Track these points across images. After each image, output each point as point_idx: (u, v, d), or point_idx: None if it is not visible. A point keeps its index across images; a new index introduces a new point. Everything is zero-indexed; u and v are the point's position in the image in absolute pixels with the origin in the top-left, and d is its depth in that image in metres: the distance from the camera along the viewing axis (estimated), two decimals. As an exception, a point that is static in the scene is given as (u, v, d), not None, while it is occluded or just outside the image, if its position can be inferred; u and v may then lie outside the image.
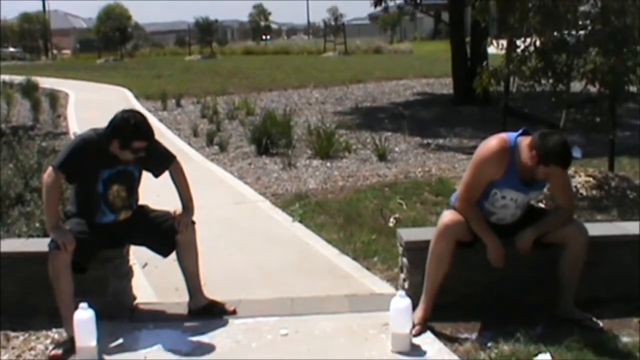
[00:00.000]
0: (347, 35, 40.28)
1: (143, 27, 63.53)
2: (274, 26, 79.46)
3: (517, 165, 3.96)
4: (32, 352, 3.92)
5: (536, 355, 3.77)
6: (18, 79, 20.63)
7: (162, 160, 4.40)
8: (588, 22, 6.65)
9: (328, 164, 9.19)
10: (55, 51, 54.79)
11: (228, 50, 44.64)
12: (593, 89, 7.16)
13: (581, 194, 7.01)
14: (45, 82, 21.02)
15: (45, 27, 54.18)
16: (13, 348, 3.97)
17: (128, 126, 4.07)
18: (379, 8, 17.68)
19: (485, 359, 3.71)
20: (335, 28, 41.38)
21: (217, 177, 8.69)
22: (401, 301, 3.83)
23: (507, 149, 3.97)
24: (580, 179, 7.32)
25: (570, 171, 7.62)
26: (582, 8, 6.81)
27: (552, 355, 3.76)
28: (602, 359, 3.73)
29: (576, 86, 7.31)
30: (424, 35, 52.56)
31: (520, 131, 4.04)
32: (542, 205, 5.90)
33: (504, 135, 4.03)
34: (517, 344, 3.86)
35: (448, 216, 4.04)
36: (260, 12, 56.99)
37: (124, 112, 4.18)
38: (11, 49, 51.74)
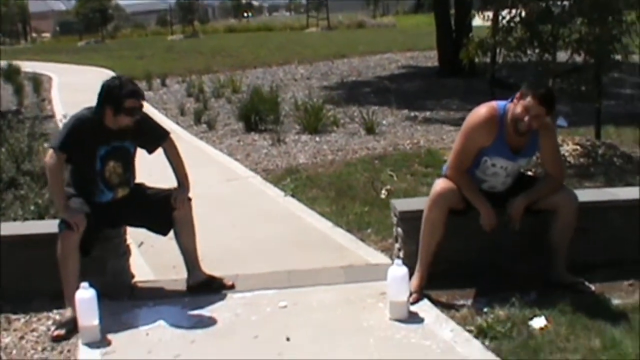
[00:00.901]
0: (330, 11, 40.08)
1: (124, 8, 62.93)
2: (255, 3, 78.85)
3: (506, 133, 4.03)
4: (35, 334, 3.95)
5: (531, 319, 3.85)
6: (-2, 63, 20.45)
7: (155, 137, 4.44)
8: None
9: (317, 139, 9.21)
10: (34, 35, 54.23)
11: (210, 28, 44.30)
12: (579, 58, 7.21)
13: (569, 162, 7.09)
14: (27, 66, 20.83)
15: (23, 11, 53.56)
16: (15, 330, 4.01)
17: (116, 88, 4.13)
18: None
19: (482, 324, 3.77)
20: (318, 3, 41.14)
21: (207, 155, 8.71)
22: (398, 270, 3.90)
23: (496, 117, 4.03)
24: (568, 147, 7.41)
25: (558, 140, 7.71)
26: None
27: (547, 319, 3.84)
28: (595, 321, 3.80)
29: (562, 56, 7.37)
30: (407, 9, 52.48)
31: (510, 100, 4.09)
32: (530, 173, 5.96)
33: (493, 104, 4.09)
34: (512, 309, 3.94)
35: (440, 184, 4.10)
36: (241, -11, 56.69)
37: (109, 78, 4.26)
38: (-11, 34, 51.25)
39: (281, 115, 10.51)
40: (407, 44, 22.84)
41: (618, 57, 7.04)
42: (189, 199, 4.41)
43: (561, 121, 9.16)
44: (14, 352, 3.74)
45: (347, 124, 10.18)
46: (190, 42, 33.31)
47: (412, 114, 11.00)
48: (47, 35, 55.30)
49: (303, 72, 17.47)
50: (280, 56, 21.35)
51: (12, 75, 17.65)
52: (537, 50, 6.92)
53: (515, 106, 3.99)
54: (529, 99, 3.93)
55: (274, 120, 10.16)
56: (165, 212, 4.32)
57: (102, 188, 4.23)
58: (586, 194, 4.79)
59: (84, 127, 4.17)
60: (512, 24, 6.90)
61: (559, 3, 6.89)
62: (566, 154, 7.18)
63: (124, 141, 4.26)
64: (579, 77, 7.08)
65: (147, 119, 4.43)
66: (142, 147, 4.42)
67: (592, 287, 4.24)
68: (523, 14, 6.86)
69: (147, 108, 11.87)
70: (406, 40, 24.88)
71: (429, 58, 18.42)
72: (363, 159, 7.84)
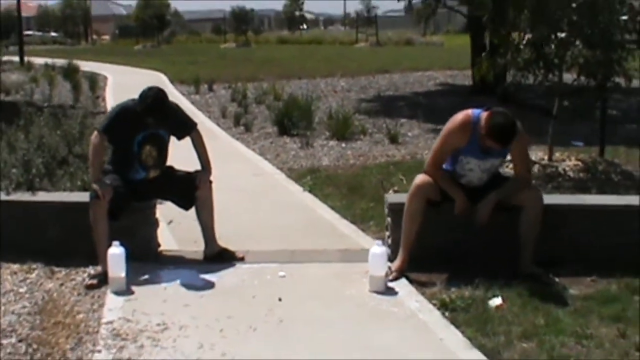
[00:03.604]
0: (381, 27, 40.96)
1: (182, 15, 64.79)
2: (310, 16, 79.87)
3: (479, 136, 4.66)
4: (73, 282, 4.74)
5: (490, 299, 4.48)
6: (59, 62, 21.65)
7: (184, 127, 5.21)
8: (575, 17, 7.21)
9: (343, 145, 9.91)
10: (94, 36, 56.26)
11: (262, 39, 45.55)
12: (583, 80, 7.77)
13: (568, 175, 7.63)
14: (85, 66, 21.98)
15: (85, 13, 55.68)
16: (57, 279, 4.80)
17: (145, 103, 4.87)
18: (403, 1, 18.37)
19: (445, 299, 4.42)
20: (367, 19, 42.09)
21: (240, 153, 9.51)
22: (378, 248, 4.58)
23: (469, 122, 4.69)
24: (570, 162, 7.95)
25: (563, 156, 8.28)
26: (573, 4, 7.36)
27: (503, 299, 4.46)
28: (546, 304, 4.37)
29: (570, 76, 7.95)
30: (457, 29, 52.95)
31: (484, 108, 4.74)
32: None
33: (468, 111, 4.76)
34: (476, 291, 4.58)
35: (419, 178, 4.80)
36: (294, 1, 57.62)
37: (149, 89, 4.96)
38: (53, 34, 53.40)
39: (314, 122, 11.23)
40: (450, 63, 23.41)
41: (619, 80, 7.58)
42: (210, 182, 5.16)
43: (577, 141, 9.71)
44: (55, 294, 4.53)
45: (374, 134, 10.84)
46: (242, 51, 34.47)
47: (439, 127, 11.55)
48: (107, 37, 57.29)
49: (344, 85, 18.20)
50: (325, 68, 22.10)
51: (71, 73, 18.78)
52: (542, 71, 7.51)
53: (482, 131, 4.60)
54: (491, 141, 4.57)
55: (305, 126, 10.89)
56: (189, 190, 5.08)
57: (137, 168, 5.00)
58: (559, 198, 5.40)
59: (126, 114, 4.97)
60: (520, 46, 7.51)
61: (565, 27, 7.42)
62: (567, 168, 7.73)
63: (159, 129, 5.03)
64: (581, 97, 7.65)
65: (179, 111, 5.21)
66: (173, 134, 5.19)
67: (556, 279, 4.80)
68: (530, 36, 7.45)
69: (192, 110, 12.76)
70: (450, 58, 25.43)
71: (467, 77, 18.94)
72: (380, 164, 8.53)
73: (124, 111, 5.01)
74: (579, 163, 7.94)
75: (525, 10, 7.29)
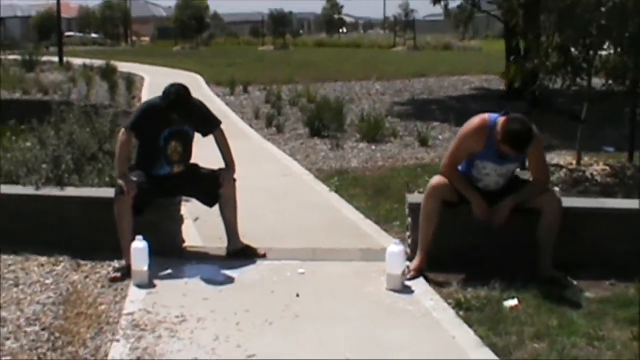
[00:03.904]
0: (420, 31, 40.97)
1: (221, 17, 65.46)
2: (350, 20, 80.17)
3: (495, 141, 4.67)
4: (97, 275, 4.89)
5: (506, 300, 4.51)
6: (98, 62, 22.05)
7: (209, 124, 5.33)
8: (604, 21, 7.17)
9: (373, 147, 9.98)
10: (134, 38, 57.11)
11: (300, 42, 45.79)
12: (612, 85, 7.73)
13: (596, 180, 7.60)
14: (124, 67, 22.31)
15: (126, 15, 56.56)
16: (82, 272, 4.95)
17: (168, 100, 5.01)
18: (439, 7, 18.38)
19: (461, 298, 4.46)
20: (405, 24, 42.11)
21: (270, 154, 9.63)
22: (395, 248, 4.64)
23: (486, 127, 4.71)
24: (598, 167, 7.92)
25: (592, 161, 8.25)
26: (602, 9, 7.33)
27: (519, 301, 4.49)
28: (561, 307, 4.40)
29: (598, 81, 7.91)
30: (496, 34, 52.60)
31: (502, 112, 4.77)
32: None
33: (485, 116, 4.79)
34: (493, 292, 4.61)
35: (436, 180, 4.85)
36: (333, 5, 57.83)
37: (171, 86, 5.09)
38: (93, 35, 54.40)
39: (345, 124, 11.32)
40: (487, 68, 23.24)
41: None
42: (234, 180, 5.26)
43: (608, 146, 9.66)
44: (80, 286, 4.67)
45: (405, 137, 10.88)
46: (280, 53, 34.69)
47: (469, 131, 11.56)
48: (146, 39, 58.15)
49: (379, 88, 18.26)
50: (361, 72, 22.17)
51: (108, 74, 19.12)
52: (570, 75, 7.48)
53: (498, 137, 4.62)
54: (506, 146, 4.59)
55: (337, 128, 10.98)
56: (213, 188, 5.20)
57: (163, 163, 5.14)
58: (580, 202, 5.41)
59: (153, 111, 5.12)
60: (549, 50, 7.50)
61: (594, 32, 7.38)
62: (594, 172, 7.70)
63: (184, 125, 5.16)
64: (609, 102, 7.61)
65: (204, 109, 5.33)
66: (198, 131, 5.32)
67: (575, 282, 4.80)
68: (559, 40, 7.44)
69: (226, 111, 12.91)
70: (488, 63, 25.21)
71: (502, 81, 18.87)
72: (408, 167, 8.58)
73: (151, 108, 5.16)
74: (607, 168, 7.90)
75: (554, 13, 7.27)
